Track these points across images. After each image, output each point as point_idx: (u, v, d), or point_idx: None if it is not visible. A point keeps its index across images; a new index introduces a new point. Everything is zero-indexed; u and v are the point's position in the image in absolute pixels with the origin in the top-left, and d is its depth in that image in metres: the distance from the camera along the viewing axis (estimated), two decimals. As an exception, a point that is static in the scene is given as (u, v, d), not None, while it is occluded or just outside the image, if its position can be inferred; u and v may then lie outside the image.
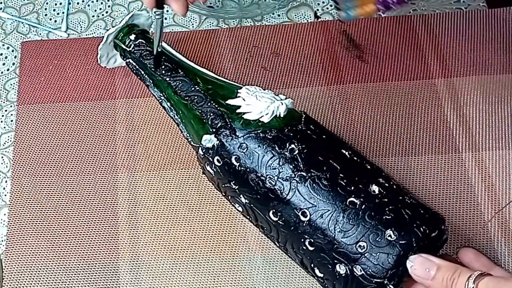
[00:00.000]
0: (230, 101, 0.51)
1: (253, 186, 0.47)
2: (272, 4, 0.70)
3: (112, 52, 0.61)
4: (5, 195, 0.59)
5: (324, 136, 0.49)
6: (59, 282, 0.54)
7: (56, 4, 0.71)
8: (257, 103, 0.49)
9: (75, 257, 0.55)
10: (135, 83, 0.64)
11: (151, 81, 0.56)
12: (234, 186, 0.49)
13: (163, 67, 0.55)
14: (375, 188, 0.46)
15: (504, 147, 0.59)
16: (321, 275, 0.46)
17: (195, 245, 0.55)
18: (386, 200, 0.45)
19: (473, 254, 0.48)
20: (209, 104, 0.51)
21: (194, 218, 0.56)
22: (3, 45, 0.68)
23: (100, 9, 0.71)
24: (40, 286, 0.54)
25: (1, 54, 0.68)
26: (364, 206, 0.44)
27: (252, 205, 0.48)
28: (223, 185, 0.50)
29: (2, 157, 0.61)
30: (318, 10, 0.70)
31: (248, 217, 0.51)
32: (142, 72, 0.56)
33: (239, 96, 0.51)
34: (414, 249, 0.43)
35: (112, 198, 0.58)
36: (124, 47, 0.58)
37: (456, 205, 0.56)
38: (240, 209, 0.51)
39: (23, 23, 0.70)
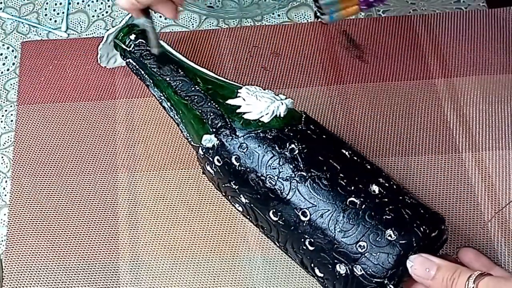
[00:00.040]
0: (230, 101, 0.51)
1: (253, 186, 0.47)
2: (272, 4, 0.70)
3: (112, 52, 0.61)
4: (5, 195, 0.59)
5: (324, 136, 0.49)
6: (59, 282, 0.54)
7: (56, 4, 0.71)
8: (257, 103, 0.49)
9: (75, 257, 0.55)
10: (135, 83, 0.64)
11: (151, 81, 0.56)
12: (234, 186, 0.49)
13: (164, 67, 0.55)
14: (375, 188, 0.46)
15: (504, 147, 0.59)
16: (321, 275, 0.46)
17: (195, 245, 0.55)
18: (386, 200, 0.45)
19: (473, 254, 0.48)
20: (209, 104, 0.51)
21: (194, 218, 0.56)
22: (3, 45, 0.68)
23: (100, 9, 0.71)
24: (40, 286, 0.54)
25: (1, 54, 0.68)
26: (364, 206, 0.44)
27: (252, 205, 0.48)
28: (223, 185, 0.50)
29: (2, 157, 0.61)
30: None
31: (248, 217, 0.51)
32: (142, 72, 0.56)
33: (239, 96, 0.51)
34: (414, 249, 0.43)
35: (112, 198, 0.58)
36: (124, 47, 0.58)
37: (456, 205, 0.56)
38: (240, 209, 0.51)
39: (23, 23, 0.70)
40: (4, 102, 0.65)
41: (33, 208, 0.57)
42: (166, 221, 0.56)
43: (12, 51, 0.68)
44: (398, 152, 0.59)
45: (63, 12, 0.71)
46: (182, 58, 0.57)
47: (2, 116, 0.64)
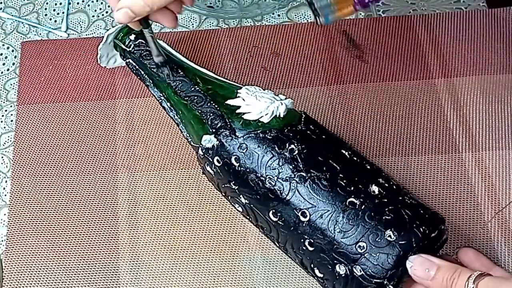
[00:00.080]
0: (230, 101, 0.51)
1: (253, 186, 0.47)
2: (272, 4, 0.70)
3: (112, 52, 0.61)
4: (5, 195, 0.59)
5: (324, 136, 0.49)
6: (59, 282, 0.54)
7: (56, 4, 0.71)
8: (257, 103, 0.49)
9: (75, 257, 0.55)
10: (135, 83, 0.64)
11: (151, 81, 0.56)
12: (234, 186, 0.49)
13: (157, 64, 0.55)
14: (375, 188, 0.46)
15: (504, 147, 0.59)
16: (321, 275, 0.46)
17: (195, 245, 0.55)
18: (386, 200, 0.45)
19: (473, 254, 0.48)
20: (209, 104, 0.51)
21: (194, 218, 0.56)
22: (3, 45, 0.68)
23: (100, 9, 0.71)
24: (40, 286, 0.54)
25: (1, 54, 0.68)
26: (364, 206, 0.44)
27: (252, 205, 0.48)
28: (223, 185, 0.50)
29: (2, 157, 0.61)
30: (318, 10, 0.70)
31: (248, 217, 0.51)
32: (142, 72, 0.56)
33: (239, 96, 0.51)
34: (414, 249, 0.43)
35: (112, 198, 0.58)
36: (124, 47, 0.58)
37: (456, 205, 0.56)
38: (240, 209, 0.51)
39: (23, 23, 0.70)
40: (4, 102, 0.65)
41: (33, 208, 0.57)
42: (166, 221, 0.56)
43: (12, 51, 0.68)
44: (398, 152, 0.59)
45: (63, 12, 0.71)
46: (182, 58, 0.57)
47: (2, 116, 0.64)
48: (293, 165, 0.46)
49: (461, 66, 0.64)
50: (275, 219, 0.47)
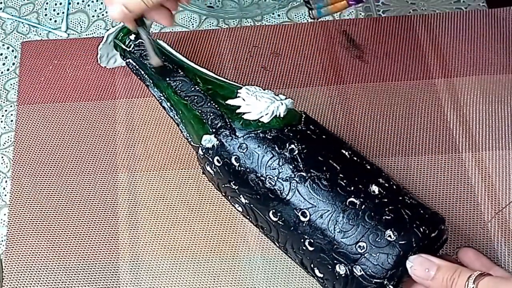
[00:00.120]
0: (230, 101, 0.51)
1: (253, 186, 0.47)
2: (272, 4, 0.70)
3: (112, 52, 0.61)
4: (5, 195, 0.59)
5: (324, 136, 0.49)
6: (59, 282, 0.54)
7: (56, 4, 0.71)
8: (257, 103, 0.49)
9: (75, 257, 0.55)
10: (135, 83, 0.64)
11: (151, 81, 0.56)
12: (234, 186, 0.49)
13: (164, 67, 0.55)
14: (375, 188, 0.46)
15: (504, 147, 0.59)
16: (321, 275, 0.46)
17: (195, 245, 0.55)
18: (386, 200, 0.45)
19: (473, 254, 0.48)
20: (209, 104, 0.51)
21: (194, 218, 0.56)
22: (3, 45, 0.68)
23: (100, 9, 0.71)
24: (40, 286, 0.54)
25: (1, 54, 0.68)
26: (364, 206, 0.44)
27: (252, 205, 0.48)
28: (223, 185, 0.50)
29: (2, 157, 0.61)
30: (318, 10, 0.70)
31: (248, 217, 0.51)
32: (142, 72, 0.56)
33: (239, 96, 0.51)
34: (414, 249, 0.43)
35: (112, 198, 0.58)
36: (124, 47, 0.58)
37: (456, 205, 0.56)
38: (240, 209, 0.51)
39: (23, 23, 0.70)
40: (4, 102, 0.65)
41: (33, 208, 0.57)
42: (166, 221, 0.56)
43: (12, 51, 0.68)
44: (398, 152, 0.59)
45: (63, 12, 0.71)
46: (182, 58, 0.57)
47: (2, 116, 0.64)
48: (293, 165, 0.46)
49: (461, 66, 0.64)
50: (275, 219, 0.47)
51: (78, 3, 0.71)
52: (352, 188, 0.45)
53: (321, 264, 0.45)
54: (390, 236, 0.43)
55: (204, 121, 0.50)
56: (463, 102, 0.62)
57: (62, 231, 0.56)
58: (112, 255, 0.55)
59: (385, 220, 0.44)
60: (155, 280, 0.54)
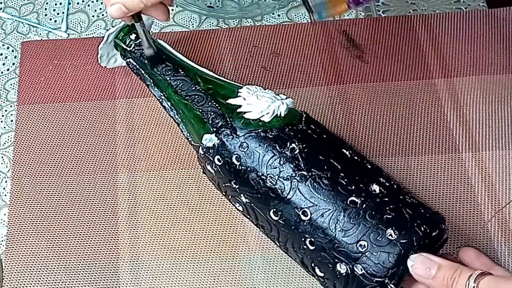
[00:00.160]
0: (231, 101, 0.51)
1: (254, 185, 0.47)
2: (272, 4, 0.70)
3: (113, 52, 0.61)
4: (5, 195, 0.59)
5: (324, 136, 0.49)
6: (59, 282, 0.54)
7: (56, 4, 0.71)
8: (258, 103, 0.49)
9: (75, 257, 0.55)
10: (135, 83, 0.64)
11: (151, 81, 0.56)
12: (234, 186, 0.49)
13: (163, 65, 0.55)
14: (375, 188, 0.46)
15: (504, 147, 0.59)
16: (322, 274, 0.46)
17: (195, 245, 0.55)
18: (386, 199, 0.45)
19: (474, 254, 0.48)
20: (209, 103, 0.51)
21: (194, 218, 0.56)
22: (3, 45, 0.68)
23: (100, 9, 0.71)
24: (40, 286, 0.54)
25: (1, 54, 0.68)
26: (364, 205, 0.44)
27: (252, 205, 0.48)
28: (224, 185, 0.50)
29: (2, 157, 0.61)
30: (318, 10, 0.70)
31: (248, 216, 0.51)
32: (143, 72, 0.56)
33: (239, 96, 0.51)
34: (415, 248, 0.43)
35: (112, 198, 0.58)
36: (124, 46, 0.58)
37: (456, 205, 0.56)
38: (240, 208, 0.51)
39: (23, 23, 0.70)
40: (4, 102, 0.65)
41: (33, 208, 0.57)
42: (166, 221, 0.56)
43: (12, 51, 0.68)
44: (398, 152, 0.59)
45: (63, 12, 0.71)
46: (182, 58, 0.57)
47: (2, 116, 0.64)
48: (294, 164, 0.46)
49: (461, 66, 0.65)
50: (275, 218, 0.47)
51: (78, 3, 0.71)
52: (353, 187, 0.45)
53: (322, 263, 0.45)
54: (391, 235, 0.43)
55: (205, 120, 0.50)
56: (463, 102, 0.62)
57: (62, 231, 0.56)
58: (112, 255, 0.55)
59: (386, 219, 0.44)
60: (155, 280, 0.54)
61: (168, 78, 0.54)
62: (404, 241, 0.43)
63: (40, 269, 0.54)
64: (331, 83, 0.64)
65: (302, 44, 0.67)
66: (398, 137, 0.60)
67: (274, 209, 0.47)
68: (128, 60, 0.58)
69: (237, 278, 0.53)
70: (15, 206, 0.57)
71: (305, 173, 0.46)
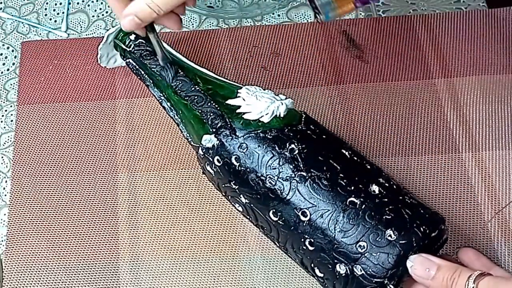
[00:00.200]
0: (230, 101, 0.51)
1: (253, 186, 0.47)
2: (272, 4, 0.70)
3: (112, 52, 0.61)
4: (5, 195, 0.59)
5: (324, 136, 0.49)
6: (59, 282, 0.54)
7: (56, 4, 0.71)
8: (257, 103, 0.49)
9: (75, 257, 0.55)
10: (135, 83, 0.64)
11: (151, 81, 0.56)
12: (234, 186, 0.49)
13: (163, 66, 0.55)
14: (375, 188, 0.46)
15: (504, 147, 0.59)
16: (321, 275, 0.46)
17: (195, 245, 0.55)
18: (386, 200, 0.45)
19: (473, 254, 0.48)
20: (209, 104, 0.51)
21: (194, 218, 0.56)
22: (3, 45, 0.68)
23: (100, 9, 0.71)
24: (40, 286, 0.54)
25: (1, 54, 0.68)
26: (364, 206, 0.44)
27: (252, 205, 0.48)
28: (223, 185, 0.50)
29: (2, 157, 0.61)
30: (318, 10, 0.70)
31: (248, 217, 0.51)
32: (142, 72, 0.56)
33: (239, 96, 0.51)
34: (414, 249, 0.43)
35: (112, 198, 0.58)
36: (124, 47, 0.58)
37: (456, 205, 0.56)
38: (240, 209, 0.51)
39: (23, 23, 0.70)
40: (4, 102, 0.65)
41: (33, 208, 0.57)
42: (166, 221, 0.56)
43: (12, 51, 0.68)
44: (398, 152, 0.59)
45: (63, 12, 0.71)
46: (182, 58, 0.57)
47: (2, 116, 0.64)
48: (293, 165, 0.46)
49: (461, 66, 0.65)
50: (275, 219, 0.47)
51: (78, 3, 0.71)
52: (353, 187, 0.45)
53: (321, 264, 0.45)
54: (390, 235, 0.43)
55: (204, 121, 0.50)
56: (463, 102, 0.62)
57: (62, 231, 0.56)
58: (112, 255, 0.55)
59: (386, 219, 0.44)
60: (155, 280, 0.54)
61: (171, 81, 0.54)
62: (403, 241, 0.43)
63: (40, 269, 0.54)
64: (331, 83, 0.64)
65: (302, 44, 0.67)
66: (398, 137, 0.60)
67: (274, 210, 0.47)
68: (127, 60, 0.58)
69: (237, 278, 0.54)
70: (15, 206, 0.57)
71: (304, 173, 0.46)
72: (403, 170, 0.58)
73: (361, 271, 0.43)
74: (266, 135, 0.48)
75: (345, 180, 0.46)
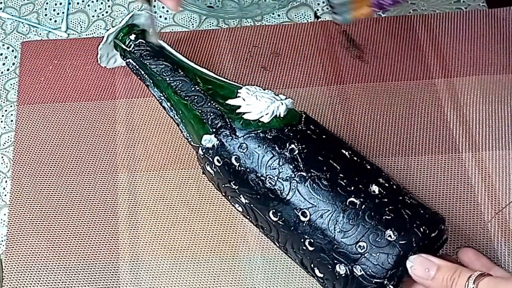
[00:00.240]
0: (230, 101, 0.51)
1: (253, 186, 0.47)
2: (272, 4, 0.70)
3: (112, 52, 0.61)
4: (5, 195, 0.59)
5: (324, 136, 0.49)
6: (59, 282, 0.54)
7: (56, 4, 0.71)
8: (257, 103, 0.49)
9: (75, 257, 0.55)
10: (135, 83, 0.64)
11: (151, 81, 0.56)
12: (234, 186, 0.49)
13: (162, 66, 0.55)
14: (375, 188, 0.46)
15: (504, 147, 0.59)
16: (321, 275, 0.46)
17: (195, 245, 0.55)
18: (386, 200, 0.45)
19: (473, 254, 0.48)
20: (209, 104, 0.51)
21: (194, 218, 0.56)
22: (3, 45, 0.68)
23: (100, 9, 0.71)
24: (40, 286, 0.54)
25: (1, 54, 0.68)
26: (364, 206, 0.44)
27: (252, 205, 0.48)
28: (223, 185, 0.50)
29: (2, 157, 0.61)
30: (318, 10, 0.70)
31: (248, 217, 0.51)
32: (142, 72, 0.56)
33: (239, 96, 0.51)
34: (414, 249, 0.43)
35: (112, 198, 0.58)
36: (124, 47, 0.58)
37: (456, 205, 0.56)
38: (240, 209, 0.51)
39: (23, 23, 0.70)
40: (4, 102, 0.65)
41: (33, 208, 0.57)
42: (166, 221, 0.56)
43: (12, 51, 0.68)
44: (398, 152, 0.59)
45: (63, 12, 0.71)
46: (182, 58, 0.57)
47: (2, 116, 0.64)
48: (293, 165, 0.46)
49: (461, 66, 0.64)
50: (275, 219, 0.47)
51: (78, 3, 0.71)
52: (352, 188, 0.45)
53: (321, 264, 0.45)
54: (390, 236, 0.43)
55: (204, 121, 0.50)
56: (463, 102, 0.62)
57: (62, 231, 0.56)
58: (112, 255, 0.55)
59: (385, 220, 0.44)
60: (155, 280, 0.54)
61: (167, 79, 0.54)
62: (403, 242, 0.43)
63: (40, 269, 0.54)
64: (331, 83, 0.64)
65: (302, 44, 0.67)
66: (398, 137, 0.60)
67: (274, 210, 0.47)
68: (127, 60, 0.58)
69: (237, 278, 0.54)
70: (15, 206, 0.57)
71: (304, 174, 0.46)
72: (403, 170, 0.58)
73: (360, 271, 0.43)
74: (266, 135, 0.48)
75: (345, 180, 0.46)
